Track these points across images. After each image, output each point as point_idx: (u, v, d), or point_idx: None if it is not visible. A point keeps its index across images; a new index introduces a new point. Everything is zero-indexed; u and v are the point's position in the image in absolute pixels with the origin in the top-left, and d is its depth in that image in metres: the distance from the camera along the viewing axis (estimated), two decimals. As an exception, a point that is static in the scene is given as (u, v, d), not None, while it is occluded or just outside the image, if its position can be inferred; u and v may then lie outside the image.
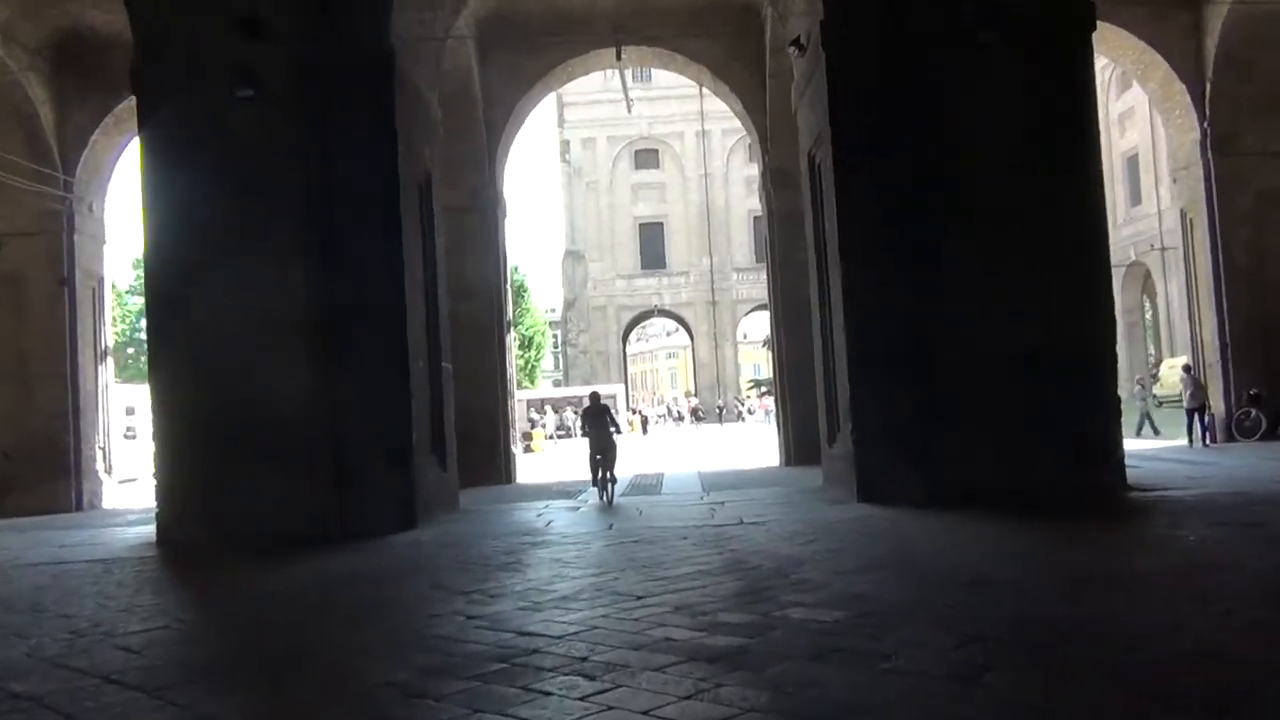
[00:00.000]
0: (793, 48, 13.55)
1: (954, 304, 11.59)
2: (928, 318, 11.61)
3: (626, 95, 31.22)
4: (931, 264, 11.59)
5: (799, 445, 18.95)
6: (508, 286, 20.10)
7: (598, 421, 14.16)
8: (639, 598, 6.26)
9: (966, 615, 5.32)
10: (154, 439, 11.77)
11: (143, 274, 11.77)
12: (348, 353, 11.60)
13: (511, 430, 19.34)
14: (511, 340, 20.25)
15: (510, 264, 65.78)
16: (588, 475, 20.04)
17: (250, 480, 11.31)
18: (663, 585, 6.66)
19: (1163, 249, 38.49)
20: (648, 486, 16.54)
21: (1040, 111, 11.74)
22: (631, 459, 26.71)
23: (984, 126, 11.65)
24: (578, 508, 13.16)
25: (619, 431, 14.21)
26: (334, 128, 11.81)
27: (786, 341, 19.53)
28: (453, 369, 18.07)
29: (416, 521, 11.59)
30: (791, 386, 19.24)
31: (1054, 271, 11.52)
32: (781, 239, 19.28)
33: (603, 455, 13.81)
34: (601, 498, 13.60)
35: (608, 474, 13.74)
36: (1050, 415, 11.29)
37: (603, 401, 14.86)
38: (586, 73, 20.96)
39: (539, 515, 12.41)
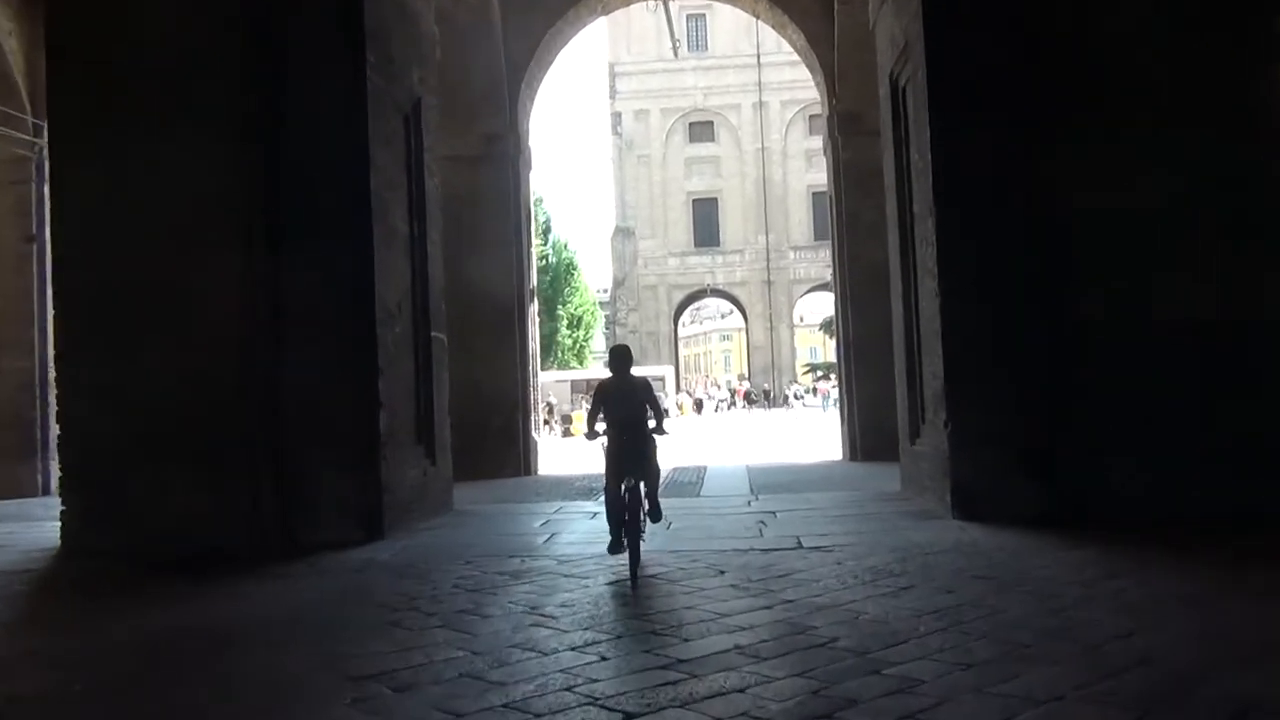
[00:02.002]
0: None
1: (1090, 260, 8.80)
2: (1053, 280, 8.84)
3: (671, 32, 28.24)
4: (1061, 208, 8.81)
5: (866, 437, 16.20)
6: (531, 250, 17.55)
7: (626, 407, 7.12)
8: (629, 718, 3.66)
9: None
10: (58, 420, 9.40)
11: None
12: (298, 317, 9.12)
13: (533, 415, 16.83)
14: (534, 312, 17.72)
15: (560, 240, 63.75)
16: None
17: (172, 477, 8.90)
18: (674, 686, 4.05)
19: None
20: (685, 485, 13.91)
21: None
22: (673, 447, 24.10)
23: (1144, 21, 8.86)
24: (595, 514, 10.56)
25: (661, 429, 7.47)
26: (288, 37, 9.31)
27: (853, 316, 16.75)
28: (463, 345, 15.63)
29: (384, 530, 9.11)
30: (858, 369, 16.48)
31: (1249, 213, 8.71)
32: (849, 195, 16.48)
33: (635, 476, 6.90)
34: (631, 564, 6.71)
35: (641, 516, 6.90)
36: (1230, 411, 8.50)
37: (636, 369, 7.56)
38: (626, 3, 18.23)
39: (544, 524, 9.86)
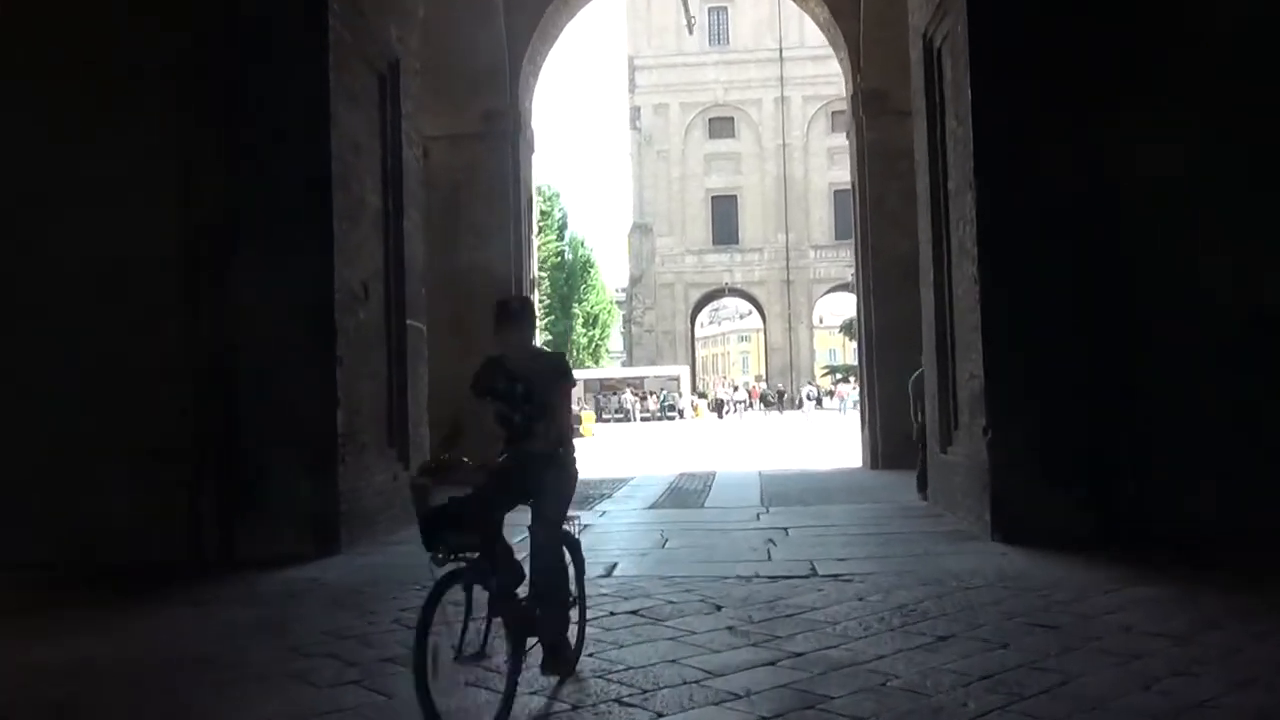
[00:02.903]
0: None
1: (1150, 243, 7.58)
2: (1109, 265, 7.62)
3: (686, 8, 26.95)
4: (1116, 181, 7.59)
5: (888, 443, 14.92)
6: (533, 237, 16.39)
7: (511, 402, 4.34)
8: None
9: None
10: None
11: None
12: (240, 300, 8.00)
13: (529, 414, 15.66)
14: (534, 301, 16.54)
15: (577, 237, 62.53)
16: (626, 471, 16.39)
17: (100, 479, 7.79)
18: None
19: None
20: (690, 493, 12.71)
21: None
22: (683, 450, 22.97)
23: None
24: (583, 528, 9.38)
25: (576, 421, 4.81)
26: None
27: (876, 312, 15.49)
28: (457, 336, 14.52)
29: (339, 543, 7.98)
30: (880, 369, 15.21)
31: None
32: (873, 180, 15.21)
33: (480, 549, 3.85)
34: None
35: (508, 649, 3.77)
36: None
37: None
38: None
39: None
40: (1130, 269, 7.59)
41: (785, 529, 8.70)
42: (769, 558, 7.32)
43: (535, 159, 16.83)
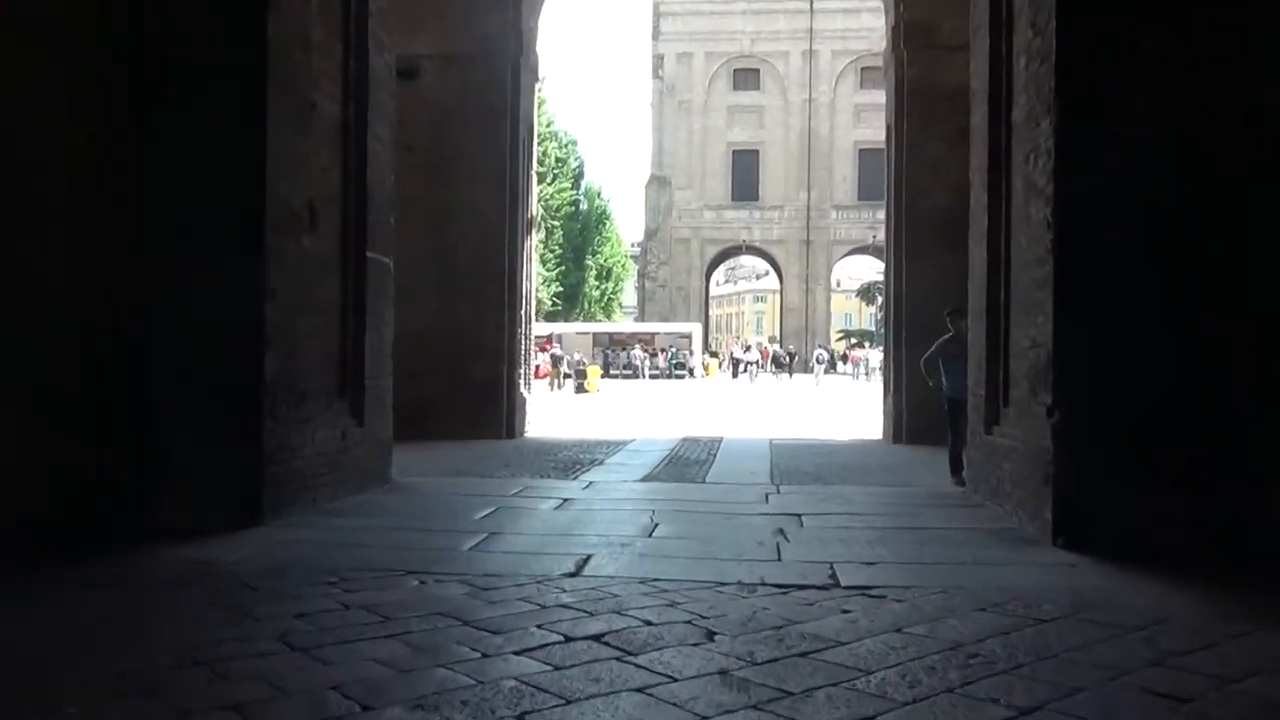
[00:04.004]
0: None
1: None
2: (1226, 219, 6.14)
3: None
4: (1249, 112, 6.10)
5: (915, 416, 13.53)
6: (531, 173, 14.89)
7: None
8: None
9: None
10: None
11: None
12: (150, 214, 6.61)
13: (520, 368, 14.28)
14: (532, 247, 15.09)
15: (594, 187, 60.91)
16: (626, 433, 15.02)
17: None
18: None
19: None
20: (691, 463, 11.33)
21: None
22: (689, 412, 21.50)
23: None
24: (563, 501, 8.03)
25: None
26: None
27: (908, 272, 14.02)
28: (442, 279, 13.17)
29: (263, 512, 6.65)
30: (910, 335, 13.76)
31: None
32: (911, 124, 13.66)
33: None
34: None
35: None
36: None
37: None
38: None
39: (490, 513, 7.34)
40: (1245, 228, 6.11)
41: (799, 516, 7.31)
42: (778, 556, 5.94)
43: (540, 90, 15.32)
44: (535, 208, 15.73)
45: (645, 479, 9.87)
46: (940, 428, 10.49)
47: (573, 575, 5.32)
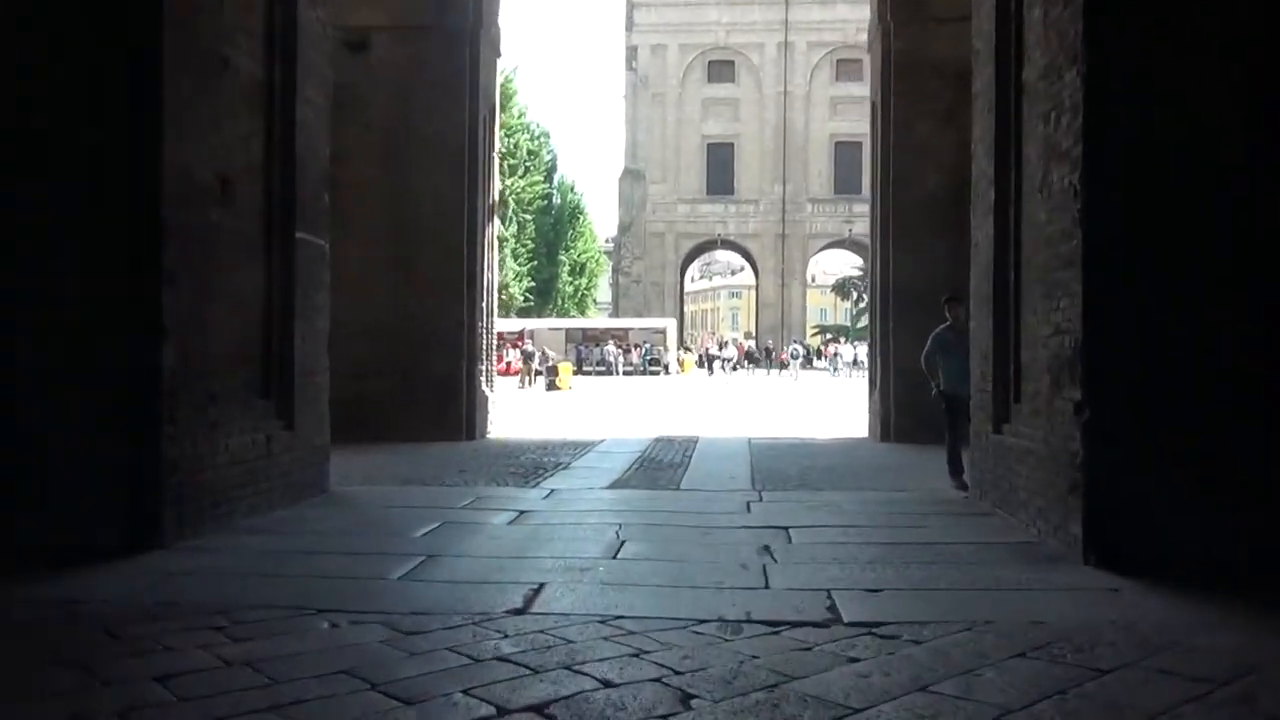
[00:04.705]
0: None
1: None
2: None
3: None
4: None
5: (903, 413, 12.65)
6: (493, 154, 13.90)
7: None
8: None
9: None
10: None
11: None
12: (19, 183, 5.60)
13: (481, 364, 13.28)
14: (493, 234, 14.09)
15: (567, 181, 59.92)
16: (596, 433, 14.10)
17: None
18: None
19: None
20: (665, 467, 10.37)
21: None
22: (664, 409, 20.47)
23: None
24: (518, 515, 7.06)
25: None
26: None
27: (895, 261, 13.12)
28: (397, 266, 12.22)
29: (162, 533, 5.65)
30: (898, 326, 12.89)
31: None
32: (899, 100, 12.76)
33: None
34: None
35: None
36: None
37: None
38: None
39: (432, 530, 6.37)
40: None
41: (786, 529, 6.39)
42: (765, 582, 5.01)
43: (506, 71, 14.33)
44: (497, 192, 14.73)
45: (613, 485, 8.92)
46: (931, 425, 9.66)
47: (519, 612, 4.37)
